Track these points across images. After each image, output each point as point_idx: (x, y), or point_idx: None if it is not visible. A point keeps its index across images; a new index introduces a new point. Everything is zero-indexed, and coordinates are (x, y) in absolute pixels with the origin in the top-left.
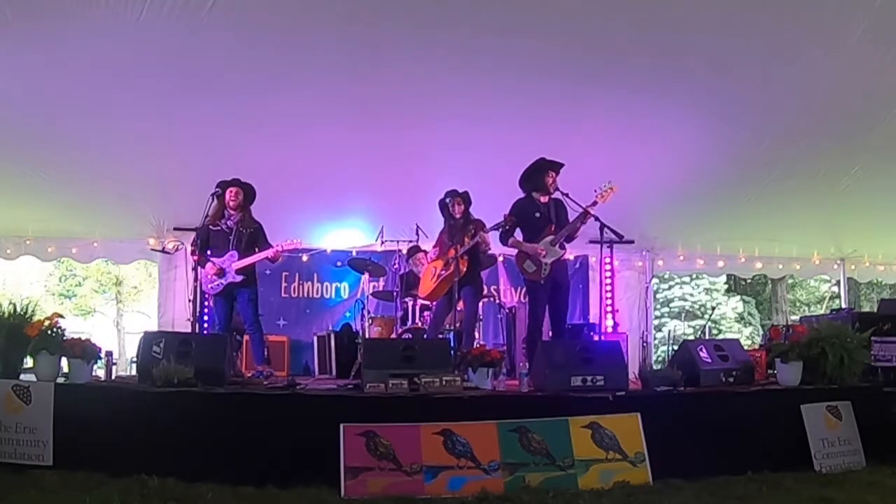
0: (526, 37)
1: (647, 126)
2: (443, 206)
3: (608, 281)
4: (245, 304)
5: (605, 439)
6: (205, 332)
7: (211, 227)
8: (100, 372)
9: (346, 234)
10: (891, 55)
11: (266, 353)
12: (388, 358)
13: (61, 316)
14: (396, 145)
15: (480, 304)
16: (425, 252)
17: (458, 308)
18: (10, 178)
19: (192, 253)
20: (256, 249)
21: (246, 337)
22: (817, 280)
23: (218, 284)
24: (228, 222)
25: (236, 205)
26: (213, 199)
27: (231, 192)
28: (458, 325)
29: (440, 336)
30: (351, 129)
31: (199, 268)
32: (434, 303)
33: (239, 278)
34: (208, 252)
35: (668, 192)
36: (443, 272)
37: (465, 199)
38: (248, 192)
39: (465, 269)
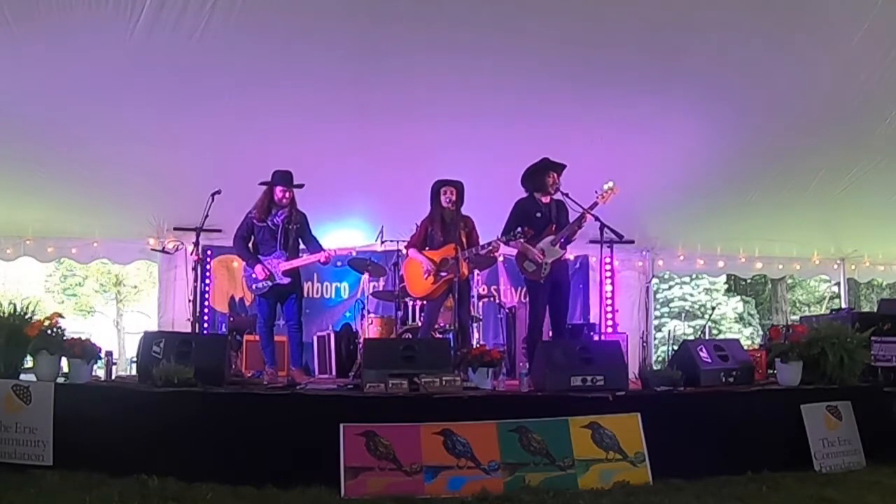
0: (527, 36)
1: (647, 126)
2: (433, 194)
3: (608, 281)
4: (291, 305)
5: (605, 439)
6: (205, 332)
7: (256, 222)
8: (100, 372)
9: (346, 234)
10: (891, 55)
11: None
12: (388, 358)
13: (61, 316)
14: (396, 145)
15: (481, 303)
16: None
17: (449, 305)
18: (10, 178)
19: (237, 248)
20: (301, 244)
21: (281, 337)
22: (817, 280)
23: (263, 286)
24: (275, 219)
25: (287, 202)
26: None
27: (281, 189)
28: (455, 325)
29: (438, 336)
30: (351, 129)
31: (246, 267)
32: (425, 302)
33: (286, 280)
34: (249, 247)
35: (669, 192)
36: (442, 273)
37: (459, 189)
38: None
39: (466, 272)
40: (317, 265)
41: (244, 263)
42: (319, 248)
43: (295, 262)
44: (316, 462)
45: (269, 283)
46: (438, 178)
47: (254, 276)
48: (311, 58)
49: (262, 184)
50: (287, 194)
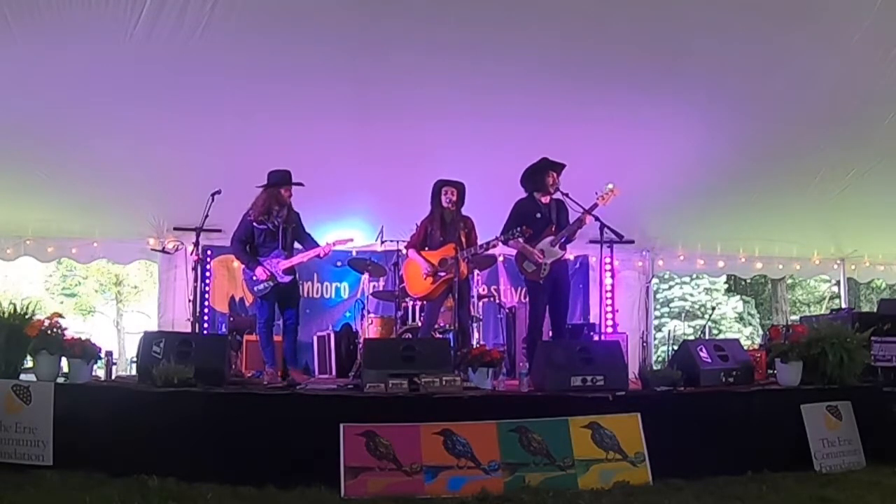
0: (527, 36)
1: (647, 125)
2: (434, 193)
3: (608, 281)
4: (291, 305)
5: (605, 439)
6: (205, 332)
7: (256, 224)
8: (100, 372)
9: (347, 234)
10: (891, 55)
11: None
12: (388, 358)
13: (61, 316)
14: (397, 144)
15: (481, 303)
16: None
17: (449, 306)
18: (10, 178)
19: (235, 251)
20: (296, 243)
21: (278, 337)
22: (817, 280)
23: (265, 287)
24: (276, 220)
25: (287, 203)
26: (264, 194)
27: (289, 190)
28: (455, 325)
29: (438, 336)
30: (351, 129)
31: (247, 269)
32: (425, 302)
33: (288, 279)
34: (247, 250)
35: (669, 192)
36: (441, 273)
37: (460, 190)
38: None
39: (465, 272)
40: (317, 264)
41: (244, 266)
42: (316, 244)
43: (295, 259)
44: (316, 462)
45: (271, 284)
46: (439, 177)
47: (254, 278)
48: (311, 57)
49: (262, 186)
50: (289, 193)
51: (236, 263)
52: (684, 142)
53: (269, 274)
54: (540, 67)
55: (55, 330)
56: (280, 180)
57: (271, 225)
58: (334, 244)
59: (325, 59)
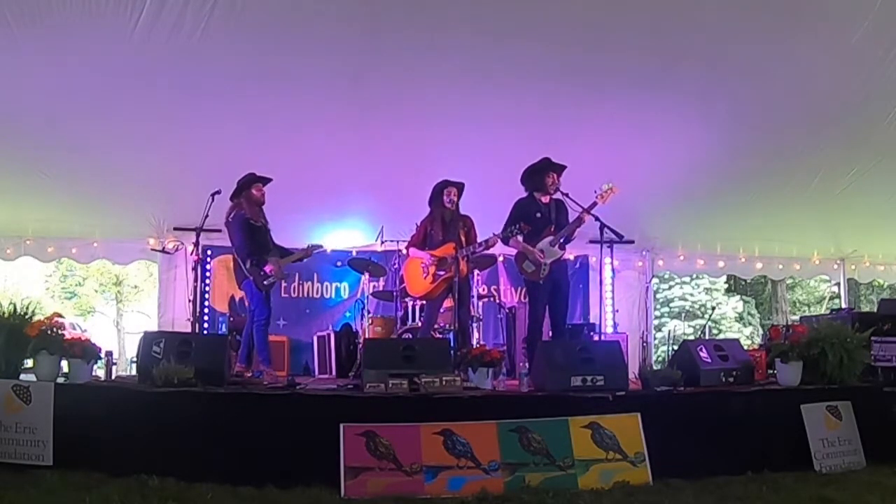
0: (526, 37)
1: (647, 125)
2: (435, 193)
3: (608, 281)
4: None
5: (605, 439)
6: (205, 332)
7: (253, 222)
8: (100, 372)
9: (346, 234)
10: (891, 55)
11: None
12: (388, 358)
13: (61, 316)
14: (397, 145)
15: (481, 303)
16: None
17: (448, 306)
18: (10, 178)
19: (247, 249)
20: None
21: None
22: (817, 280)
23: (273, 281)
24: (262, 219)
25: (263, 201)
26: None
27: (259, 188)
28: (455, 324)
29: (438, 336)
30: (351, 130)
31: (254, 265)
32: (425, 302)
33: (287, 274)
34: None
35: (669, 192)
36: (441, 272)
37: (461, 190)
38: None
39: (465, 271)
40: (316, 264)
41: (249, 262)
42: (281, 247)
43: (292, 257)
44: (316, 462)
45: (277, 278)
46: (439, 178)
47: (262, 273)
48: (311, 58)
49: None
50: (261, 192)
51: None
52: (685, 141)
53: (277, 268)
54: (540, 69)
55: (55, 330)
56: (249, 180)
57: (261, 223)
58: (312, 249)
59: (325, 59)
